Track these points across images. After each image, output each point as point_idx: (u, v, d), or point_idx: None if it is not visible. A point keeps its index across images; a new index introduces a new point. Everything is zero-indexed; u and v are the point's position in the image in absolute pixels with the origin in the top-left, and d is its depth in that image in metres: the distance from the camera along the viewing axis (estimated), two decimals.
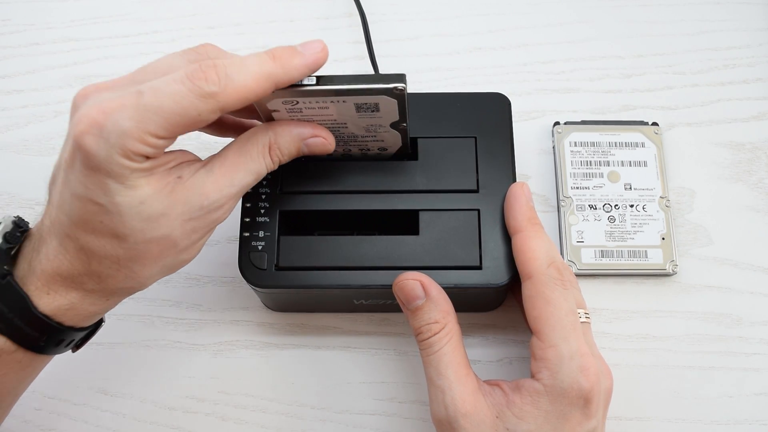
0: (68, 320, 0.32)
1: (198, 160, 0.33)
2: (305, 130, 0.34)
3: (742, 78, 0.49)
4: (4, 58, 0.51)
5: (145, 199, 0.29)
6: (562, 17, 0.51)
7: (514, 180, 0.38)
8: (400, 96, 0.32)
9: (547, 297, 0.33)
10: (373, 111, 0.34)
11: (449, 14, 0.52)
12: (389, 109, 0.34)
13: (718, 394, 0.41)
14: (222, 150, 0.33)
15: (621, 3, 0.51)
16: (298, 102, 0.33)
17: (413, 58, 0.50)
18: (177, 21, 0.52)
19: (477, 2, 0.52)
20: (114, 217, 0.29)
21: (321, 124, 0.35)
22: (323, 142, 0.35)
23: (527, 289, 0.34)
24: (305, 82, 0.32)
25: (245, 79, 0.29)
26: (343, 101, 0.33)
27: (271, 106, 0.33)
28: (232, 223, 0.45)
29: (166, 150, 0.30)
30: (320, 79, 0.32)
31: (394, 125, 0.36)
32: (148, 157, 0.28)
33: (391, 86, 0.32)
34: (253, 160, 0.32)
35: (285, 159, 0.34)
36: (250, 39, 0.51)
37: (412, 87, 0.49)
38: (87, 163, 0.28)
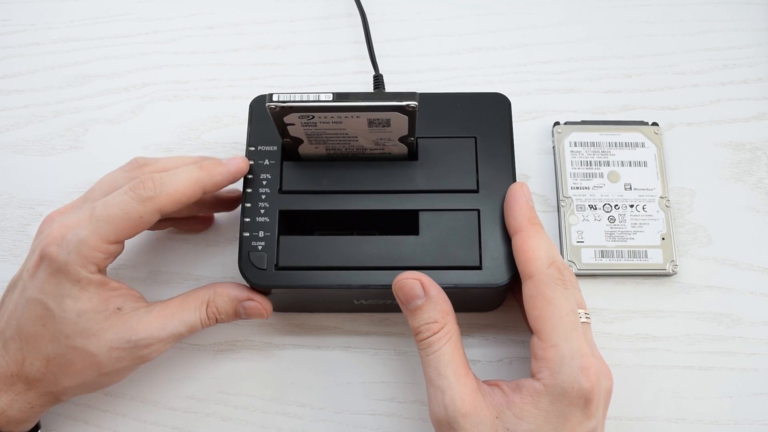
0: None
1: (144, 301, 0.37)
2: (241, 294, 0.37)
3: (742, 78, 0.49)
4: (4, 58, 0.51)
5: (83, 313, 0.34)
6: (562, 17, 0.51)
7: (514, 180, 0.38)
8: (411, 113, 0.34)
9: (547, 297, 0.33)
10: (384, 126, 0.35)
11: (449, 14, 0.52)
12: (400, 124, 0.35)
13: (718, 394, 0.41)
14: (170, 298, 0.37)
15: (621, 3, 0.51)
16: (313, 117, 0.34)
17: (413, 58, 0.50)
18: (177, 21, 0.52)
19: (477, 2, 0.52)
20: (56, 322, 0.34)
21: (333, 137, 0.36)
22: (257, 306, 0.37)
23: (528, 289, 0.34)
24: (322, 98, 0.33)
25: (176, 185, 0.35)
26: (357, 116, 0.34)
27: (287, 119, 0.34)
28: (232, 223, 0.45)
29: (120, 282, 0.36)
30: (336, 96, 0.33)
31: (402, 139, 0.37)
32: (99, 269, 0.34)
33: (404, 104, 0.33)
34: (190, 313, 0.36)
35: (222, 317, 0.37)
36: (250, 39, 0.51)
37: (412, 87, 0.49)
38: (50, 268, 0.33)
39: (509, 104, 0.40)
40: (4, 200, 0.46)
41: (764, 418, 0.40)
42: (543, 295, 0.33)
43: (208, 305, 0.37)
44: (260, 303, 0.37)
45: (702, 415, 0.40)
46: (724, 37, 0.50)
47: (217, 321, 0.37)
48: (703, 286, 0.43)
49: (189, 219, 0.44)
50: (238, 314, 0.38)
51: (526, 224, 0.36)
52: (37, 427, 0.38)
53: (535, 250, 0.34)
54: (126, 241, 0.36)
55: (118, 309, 0.35)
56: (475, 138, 0.39)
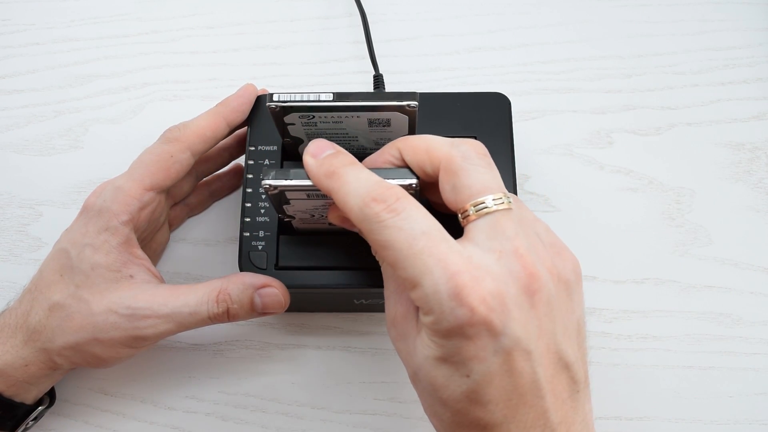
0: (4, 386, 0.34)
1: (161, 280, 0.36)
2: (257, 280, 0.34)
3: (742, 78, 0.49)
4: (4, 58, 0.51)
5: (96, 266, 0.34)
6: (562, 17, 0.51)
7: (515, 180, 0.38)
8: (411, 113, 0.34)
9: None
10: (384, 126, 0.35)
11: (449, 14, 0.52)
12: (400, 124, 0.35)
13: (718, 394, 0.41)
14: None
15: (621, 3, 0.51)
16: (314, 116, 0.34)
17: (413, 58, 0.50)
18: (177, 21, 0.52)
19: (477, 2, 0.52)
20: (72, 272, 0.34)
21: (333, 137, 0.36)
22: (275, 293, 0.34)
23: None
24: (322, 98, 0.33)
25: (198, 121, 0.37)
26: (357, 116, 0.34)
27: (288, 119, 0.34)
28: (232, 223, 0.45)
29: (146, 257, 0.36)
30: (336, 96, 0.33)
31: None
32: (132, 222, 0.35)
33: (404, 104, 0.33)
34: (197, 296, 0.34)
35: (235, 307, 0.34)
36: (250, 39, 0.51)
37: (412, 87, 0.49)
38: (85, 217, 0.35)
39: (509, 104, 0.40)
40: (4, 200, 0.46)
41: (764, 418, 0.40)
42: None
43: (219, 292, 0.34)
44: (278, 289, 0.34)
45: (702, 415, 0.40)
46: (724, 37, 0.50)
47: (229, 313, 0.34)
48: (703, 286, 0.43)
49: (220, 179, 0.45)
50: (254, 306, 0.34)
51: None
52: (40, 402, 0.38)
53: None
54: None
55: (131, 276, 0.35)
56: (475, 138, 0.39)
